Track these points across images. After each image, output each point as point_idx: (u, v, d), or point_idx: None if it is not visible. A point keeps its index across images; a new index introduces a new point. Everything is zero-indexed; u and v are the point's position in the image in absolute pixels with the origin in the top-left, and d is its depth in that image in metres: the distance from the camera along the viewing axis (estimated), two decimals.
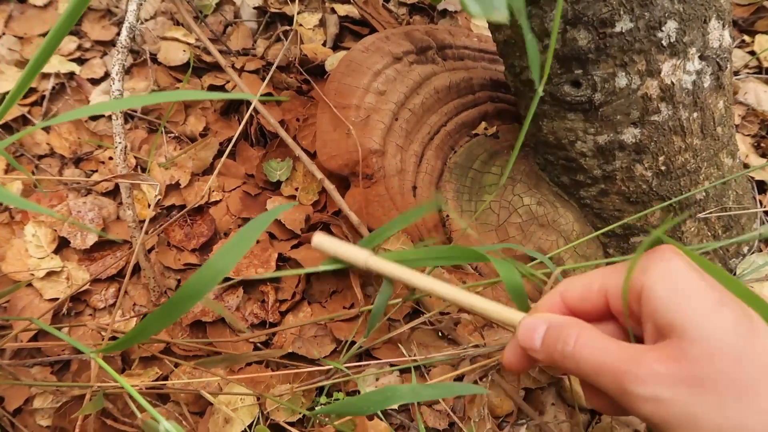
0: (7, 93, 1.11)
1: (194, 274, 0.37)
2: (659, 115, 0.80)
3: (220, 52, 1.17)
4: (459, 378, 0.82)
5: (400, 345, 0.85)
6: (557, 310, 0.40)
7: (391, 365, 0.83)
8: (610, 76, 0.78)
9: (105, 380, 0.76)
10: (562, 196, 0.96)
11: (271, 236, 1.00)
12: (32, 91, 1.15)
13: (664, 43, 0.76)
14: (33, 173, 1.07)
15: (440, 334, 0.87)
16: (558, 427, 0.80)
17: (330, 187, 0.92)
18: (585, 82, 0.80)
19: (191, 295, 0.39)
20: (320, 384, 0.80)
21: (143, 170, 1.06)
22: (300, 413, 0.81)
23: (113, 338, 0.83)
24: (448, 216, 0.98)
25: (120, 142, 0.86)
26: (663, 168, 0.85)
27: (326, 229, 1.01)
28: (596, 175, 0.88)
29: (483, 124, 1.08)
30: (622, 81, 0.78)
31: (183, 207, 1.02)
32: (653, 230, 0.86)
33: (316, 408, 0.82)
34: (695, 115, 0.82)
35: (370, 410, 0.46)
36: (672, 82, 0.78)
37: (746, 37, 1.29)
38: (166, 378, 0.85)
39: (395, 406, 0.83)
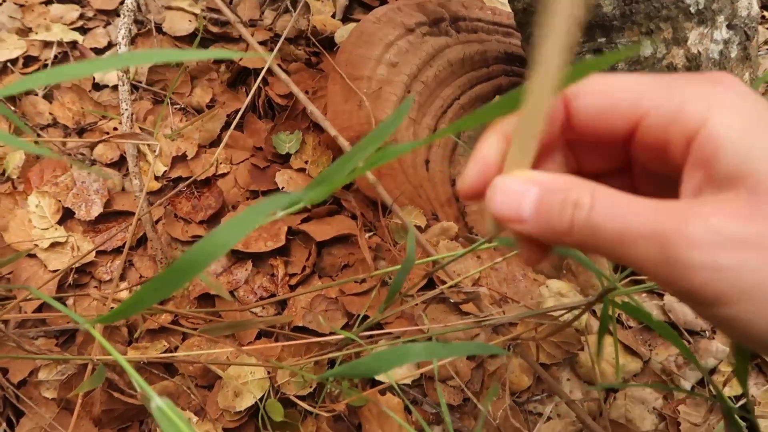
0: (8, 61, 1.09)
1: (195, 244, 0.34)
2: None
3: (226, 23, 1.14)
4: (474, 355, 0.80)
5: (417, 317, 0.83)
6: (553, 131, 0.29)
7: (404, 338, 0.81)
8: (634, 44, 0.75)
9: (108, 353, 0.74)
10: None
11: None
12: (34, 59, 1.12)
13: (692, 10, 0.73)
14: (36, 144, 1.04)
15: (455, 307, 0.85)
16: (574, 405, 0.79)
17: (345, 144, 0.89)
18: (608, 50, 0.77)
19: (191, 267, 0.37)
20: (331, 355, 0.78)
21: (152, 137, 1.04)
22: (311, 387, 0.79)
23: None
24: None
25: (126, 109, 0.84)
26: None
27: (337, 203, 0.99)
28: None
29: (497, 98, 1.06)
30: (647, 49, 0.76)
31: (190, 179, 1.00)
32: None
33: (328, 379, 0.81)
34: None
35: (382, 369, 0.44)
36: (699, 52, 0.76)
37: (766, 13, 1.26)
38: (174, 351, 0.83)
39: (408, 381, 0.82)
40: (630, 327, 0.88)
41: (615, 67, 0.77)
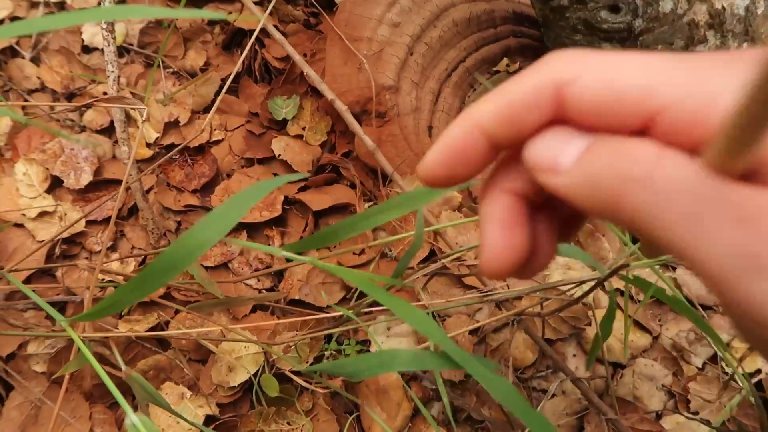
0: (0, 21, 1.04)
1: (173, 243, 0.31)
2: (706, 45, 0.72)
3: None
4: (476, 330, 0.77)
5: (419, 291, 0.80)
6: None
7: None
8: None
9: (97, 329, 0.72)
10: None
11: None
12: (20, 20, 1.08)
13: None
14: (23, 109, 1.00)
15: (457, 280, 0.82)
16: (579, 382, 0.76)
17: (342, 107, 0.85)
18: (625, 6, 0.72)
19: (170, 267, 0.33)
20: (328, 331, 0.76)
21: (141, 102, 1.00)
22: (307, 362, 0.76)
23: (109, 281, 0.78)
24: None
25: (113, 71, 0.79)
26: None
27: (335, 171, 0.95)
28: None
29: (505, 61, 1.00)
30: (667, 5, 0.70)
31: (182, 146, 0.96)
32: None
33: (324, 354, 0.78)
34: (745, 45, 0.74)
35: (364, 375, 0.41)
36: (723, 7, 0.70)
37: None
38: (167, 324, 0.81)
39: None
40: (638, 301, 0.84)
41: (631, 25, 0.72)
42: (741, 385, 0.72)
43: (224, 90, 0.80)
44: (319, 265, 0.41)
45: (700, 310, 0.81)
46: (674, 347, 0.80)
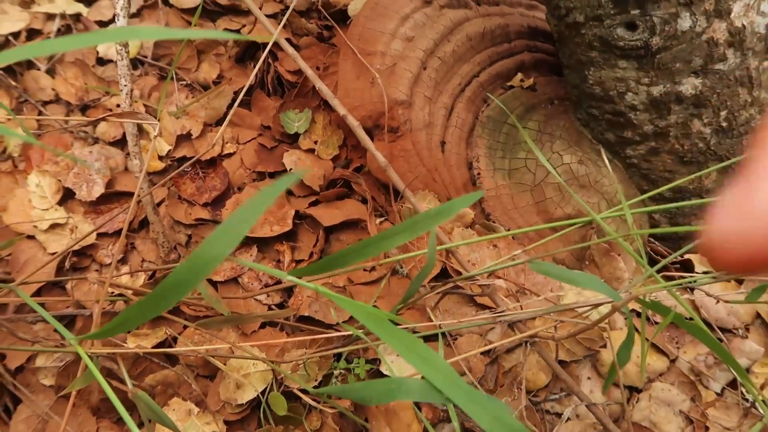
0: (10, 34, 1.05)
1: (183, 261, 0.31)
2: (725, 64, 0.71)
3: None
4: (487, 352, 0.76)
5: (430, 310, 0.79)
6: None
7: (415, 332, 0.77)
8: (671, 16, 0.69)
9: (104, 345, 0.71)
10: (606, 155, 0.88)
11: (289, 192, 0.93)
12: (37, 33, 1.08)
13: None
14: (37, 120, 1.00)
15: (469, 298, 0.81)
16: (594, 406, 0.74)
17: (354, 123, 0.84)
18: (642, 23, 0.70)
19: (180, 285, 0.33)
20: (338, 350, 0.75)
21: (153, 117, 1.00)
22: (315, 381, 0.75)
23: (119, 295, 0.78)
24: (479, 174, 0.90)
25: (126, 85, 0.79)
26: (724, 124, 0.76)
27: (346, 186, 0.94)
28: (647, 131, 0.79)
29: (519, 76, 0.99)
30: (685, 23, 0.69)
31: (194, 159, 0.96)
32: (707, 194, 0.78)
33: (334, 373, 0.77)
34: (766, 64, 0.72)
35: (372, 402, 0.40)
36: (743, 25, 0.69)
37: None
38: (175, 339, 0.80)
39: (418, 377, 0.77)
40: (656, 323, 0.82)
41: (648, 42, 0.71)
42: (762, 412, 0.69)
43: (237, 103, 0.80)
44: (323, 291, 0.40)
45: (719, 333, 0.79)
46: (692, 371, 0.78)
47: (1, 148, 0.96)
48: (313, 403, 0.71)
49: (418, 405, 0.73)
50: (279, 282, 0.85)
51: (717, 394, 0.76)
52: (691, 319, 0.73)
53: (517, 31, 1.02)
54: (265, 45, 1.06)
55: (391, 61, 0.92)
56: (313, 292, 0.82)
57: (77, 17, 1.10)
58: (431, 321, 0.78)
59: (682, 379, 0.77)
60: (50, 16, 1.10)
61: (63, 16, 1.09)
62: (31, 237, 0.86)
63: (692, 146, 0.78)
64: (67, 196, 0.91)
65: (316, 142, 0.98)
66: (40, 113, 1.00)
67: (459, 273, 0.82)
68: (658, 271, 0.74)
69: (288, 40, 1.07)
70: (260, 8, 1.09)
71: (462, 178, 0.91)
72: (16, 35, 1.07)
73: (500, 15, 1.03)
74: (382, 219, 0.90)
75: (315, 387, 0.76)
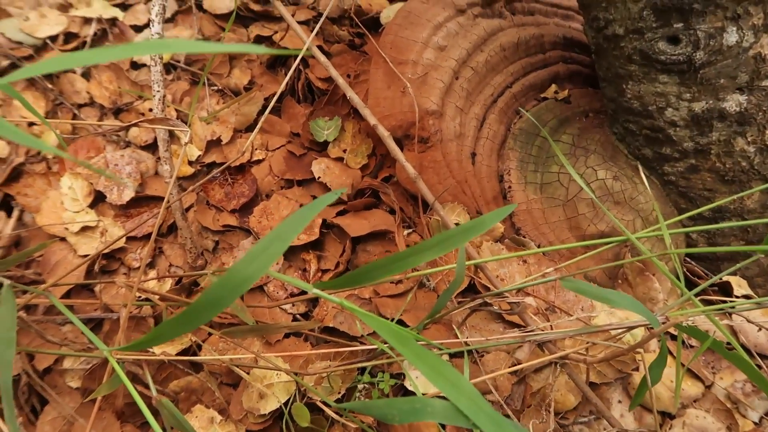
0: (49, 37, 1.07)
1: (218, 280, 0.31)
2: None
3: (268, 0, 1.09)
4: (515, 371, 0.74)
5: (456, 327, 0.77)
6: None
7: (441, 348, 0.76)
8: (717, 31, 0.66)
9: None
10: (643, 171, 0.85)
11: None
12: (74, 36, 1.10)
13: None
14: (71, 124, 1.02)
15: (497, 315, 0.79)
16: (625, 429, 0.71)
17: (384, 133, 0.83)
18: (685, 37, 0.68)
19: (215, 302, 0.34)
20: (362, 364, 0.74)
21: (184, 124, 1.00)
22: (339, 393, 0.74)
23: (146, 299, 0.78)
24: (510, 187, 0.89)
25: (158, 91, 0.80)
26: None
27: (375, 196, 0.93)
28: (687, 148, 0.77)
29: (553, 87, 0.97)
30: (731, 37, 0.66)
31: (224, 165, 0.96)
32: (749, 214, 0.75)
33: (357, 387, 0.76)
34: None
35: (395, 420, 0.39)
36: None
37: None
38: (200, 346, 0.80)
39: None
40: (691, 346, 0.80)
41: (692, 57, 0.68)
42: None
43: (268, 110, 0.80)
44: (348, 306, 0.39)
45: (758, 359, 0.76)
46: (729, 398, 0.75)
47: (36, 150, 0.97)
48: (336, 417, 0.70)
49: (442, 424, 0.72)
50: (304, 292, 0.84)
51: (755, 423, 0.73)
52: (730, 346, 0.71)
53: (552, 42, 1.00)
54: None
55: (423, 71, 0.91)
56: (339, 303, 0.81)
57: (113, 21, 1.12)
58: (457, 337, 0.76)
59: (717, 406, 0.74)
60: (87, 20, 1.11)
61: (99, 20, 1.11)
62: (62, 239, 0.88)
63: (734, 165, 0.76)
64: (98, 199, 0.92)
65: (345, 151, 0.97)
66: (74, 116, 1.01)
67: (487, 288, 0.80)
68: (696, 294, 0.71)
69: (319, 47, 1.06)
70: (293, 15, 1.09)
71: (492, 190, 0.90)
72: (53, 38, 1.09)
73: (535, 25, 1.01)
74: (410, 230, 0.89)
75: (338, 400, 0.75)
